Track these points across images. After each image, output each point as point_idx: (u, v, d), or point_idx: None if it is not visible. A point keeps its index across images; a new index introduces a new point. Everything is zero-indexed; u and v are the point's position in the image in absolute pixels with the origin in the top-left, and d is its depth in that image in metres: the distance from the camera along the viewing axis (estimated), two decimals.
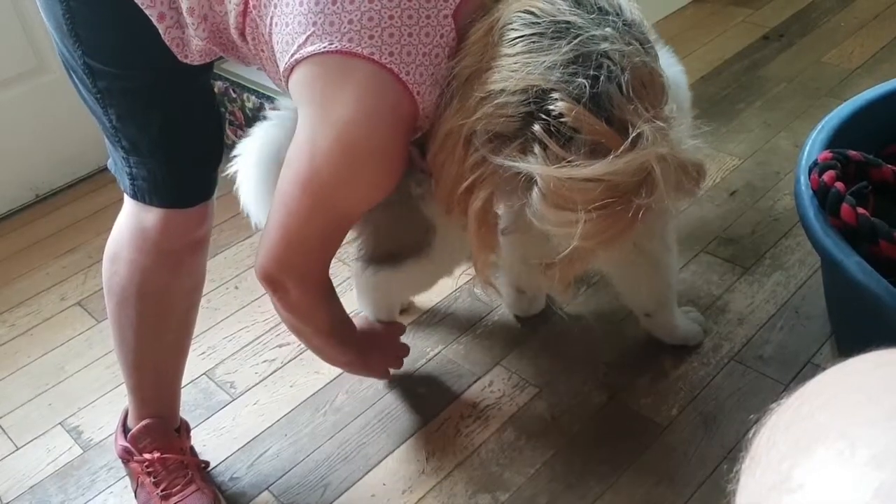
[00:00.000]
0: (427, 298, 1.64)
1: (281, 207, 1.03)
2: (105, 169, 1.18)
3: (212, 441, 1.42)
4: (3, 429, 1.48)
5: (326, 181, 0.98)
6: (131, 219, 1.14)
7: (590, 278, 1.65)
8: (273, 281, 1.09)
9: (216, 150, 1.17)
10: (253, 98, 1.99)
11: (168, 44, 1.02)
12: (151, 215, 1.12)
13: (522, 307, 1.58)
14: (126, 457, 1.28)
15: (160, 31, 1.00)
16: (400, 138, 0.98)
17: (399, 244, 1.30)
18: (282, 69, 0.98)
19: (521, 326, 1.57)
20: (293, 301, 1.11)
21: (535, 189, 0.88)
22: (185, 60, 1.04)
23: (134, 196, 1.12)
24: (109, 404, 1.50)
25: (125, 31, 1.01)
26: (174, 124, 1.09)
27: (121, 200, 1.17)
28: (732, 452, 1.29)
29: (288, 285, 1.08)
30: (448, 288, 1.66)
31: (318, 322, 1.18)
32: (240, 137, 2.11)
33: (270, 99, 1.96)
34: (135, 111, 1.06)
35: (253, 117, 2.02)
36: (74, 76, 1.07)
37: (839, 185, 1.20)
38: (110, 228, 1.20)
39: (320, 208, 1.01)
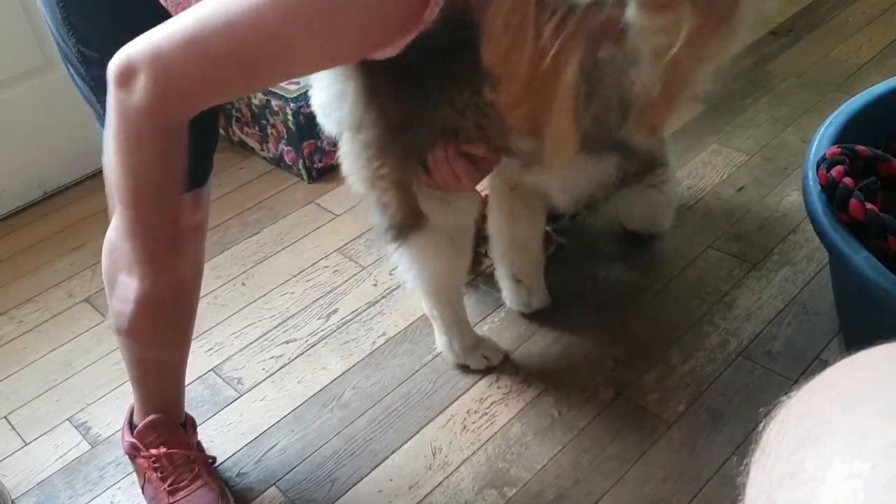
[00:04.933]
0: None
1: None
2: None
3: (219, 437, 1.42)
4: (11, 424, 1.49)
5: (290, 9, 0.82)
6: None
7: (596, 273, 1.65)
8: (133, 71, 0.83)
9: (211, 138, 1.16)
10: (259, 94, 2.00)
11: None
12: None
13: (521, 300, 1.57)
14: (133, 452, 1.29)
15: (169, 9, 1.00)
16: (390, 18, 0.87)
17: (400, 209, 1.23)
18: None
19: (527, 322, 1.57)
20: (136, 109, 0.84)
21: (632, 4, 0.80)
22: None
23: None
24: (117, 400, 1.50)
25: (119, 17, 1.01)
26: None
27: None
28: (740, 448, 1.28)
29: (146, 87, 0.83)
30: None
31: (143, 160, 0.90)
32: (246, 134, 2.13)
33: (276, 96, 1.96)
34: None
35: (259, 114, 2.02)
36: (69, 65, 1.07)
37: (847, 180, 1.20)
38: None
39: (262, 29, 0.83)
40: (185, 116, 0.89)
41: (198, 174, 1.15)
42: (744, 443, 1.29)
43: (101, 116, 1.08)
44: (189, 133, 1.12)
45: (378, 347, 1.55)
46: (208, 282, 1.58)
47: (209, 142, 1.16)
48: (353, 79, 1.15)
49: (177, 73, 0.84)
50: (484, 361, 1.47)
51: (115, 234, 1.17)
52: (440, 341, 1.48)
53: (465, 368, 1.48)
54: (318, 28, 0.86)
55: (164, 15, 1.05)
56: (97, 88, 1.05)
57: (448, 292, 1.42)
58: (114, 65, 0.84)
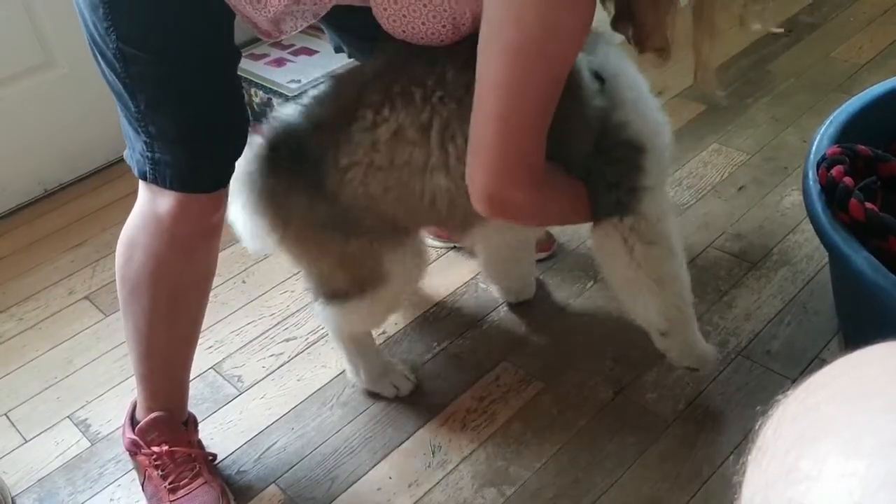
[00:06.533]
0: (434, 293, 1.64)
1: (491, 101, 0.98)
2: (113, 164, 1.17)
3: (219, 434, 1.42)
4: (11, 422, 1.49)
5: (536, 36, 0.93)
6: (147, 205, 1.14)
7: (596, 273, 1.65)
8: (501, 199, 1.04)
9: (241, 140, 1.17)
10: (260, 93, 2.00)
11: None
12: (167, 200, 1.11)
13: (512, 291, 1.60)
14: (134, 449, 1.29)
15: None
16: None
17: (344, 282, 1.26)
18: None
19: (527, 321, 1.57)
20: (523, 208, 1.07)
21: None
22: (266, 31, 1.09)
23: (154, 180, 1.10)
24: (117, 398, 1.50)
25: (166, 17, 1.01)
26: (205, 112, 1.09)
27: (129, 195, 1.17)
28: (739, 448, 1.29)
29: (516, 194, 1.04)
30: (455, 283, 1.66)
31: (550, 210, 1.16)
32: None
33: (277, 94, 1.96)
34: (166, 98, 1.06)
35: (261, 112, 2.02)
36: (103, 61, 1.06)
37: (847, 180, 1.20)
38: (118, 223, 1.20)
39: (535, 71, 0.96)
40: (542, 166, 1.06)
41: (224, 176, 1.15)
42: (743, 442, 1.30)
43: (132, 114, 1.07)
44: (222, 135, 1.13)
45: (378, 346, 1.55)
46: None
47: (238, 145, 1.16)
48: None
49: (520, 160, 1.02)
50: (393, 390, 1.44)
51: (132, 228, 1.17)
52: (347, 368, 1.46)
53: (464, 367, 1.48)
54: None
55: (214, 15, 1.06)
56: (133, 86, 1.04)
57: (362, 336, 1.43)
58: (488, 205, 1.04)
